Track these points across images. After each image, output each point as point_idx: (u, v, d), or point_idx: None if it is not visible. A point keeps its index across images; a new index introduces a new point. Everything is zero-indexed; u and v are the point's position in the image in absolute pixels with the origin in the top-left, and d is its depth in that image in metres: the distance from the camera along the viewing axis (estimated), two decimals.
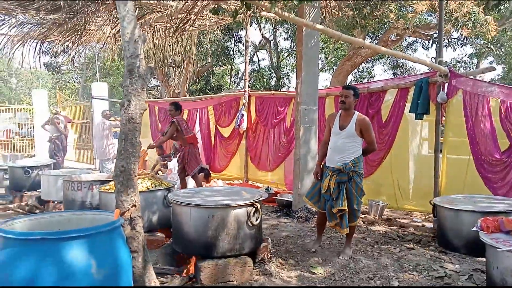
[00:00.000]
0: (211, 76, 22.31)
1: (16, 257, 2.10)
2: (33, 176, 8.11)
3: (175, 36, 8.92)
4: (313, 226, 5.70)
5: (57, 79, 33.23)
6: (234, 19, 4.77)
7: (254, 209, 4.31)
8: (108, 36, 7.82)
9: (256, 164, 8.49)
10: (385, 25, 12.04)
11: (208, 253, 4.21)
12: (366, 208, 6.34)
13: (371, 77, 22.06)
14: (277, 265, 4.34)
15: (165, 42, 9.12)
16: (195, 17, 6.59)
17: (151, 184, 5.51)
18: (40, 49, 8.08)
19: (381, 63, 21.86)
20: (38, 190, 7.66)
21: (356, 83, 20.24)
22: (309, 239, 5.14)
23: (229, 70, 24.06)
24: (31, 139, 16.92)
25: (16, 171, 8.25)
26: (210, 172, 9.30)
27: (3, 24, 7.23)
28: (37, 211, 7.12)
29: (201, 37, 16.50)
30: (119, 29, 7.68)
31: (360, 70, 22.24)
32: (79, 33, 7.44)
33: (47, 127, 11.09)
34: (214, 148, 9.48)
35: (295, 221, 5.95)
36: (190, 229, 4.36)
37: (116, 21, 7.62)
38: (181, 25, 6.85)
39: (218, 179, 8.59)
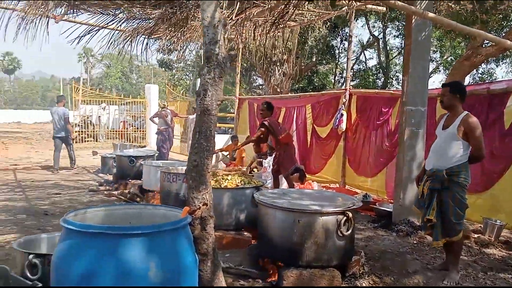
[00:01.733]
0: (314, 75, 21.92)
1: (76, 249, 2.00)
2: (137, 166, 8.47)
3: (275, 32, 8.73)
4: (415, 242, 5.07)
5: (171, 75, 35.42)
6: (333, 7, 4.37)
7: (345, 217, 3.90)
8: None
9: (355, 168, 7.95)
10: (510, 22, 10.58)
11: (292, 260, 3.92)
12: (480, 226, 5.50)
13: (492, 80, 19.81)
14: (369, 283, 3.87)
15: (265, 39, 8.95)
16: (293, 9, 6.28)
17: (241, 181, 5.36)
18: (147, 44, 8.40)
19: (505, 63, 19.47)
20: (140, 179, 7.98)
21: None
22: (409, 256, 4.55)
23: (334, 69, 23.40)
24: (143, 131, 18.11)
25: (122, 160, 8.73)
26: (305, 173, 8.97)
27: (112, 20, 7.64)
28: (138, 199, 7.41)
29: (306, 34, 16.20)
30: None
31: (480, 72, 20.10)
32: (182, 28, 7.59)
33: (156, 119, 11.70)
34: (310, 149, 9.11)
35: (394, 234, 5.35)
36: (275, 232, 4.10)
37: None
38: (279, 18, 6.60)
39: (313, 181, 8.20)
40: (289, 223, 3.96)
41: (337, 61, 22.32)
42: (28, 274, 2.92)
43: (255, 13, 7.49)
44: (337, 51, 21.74)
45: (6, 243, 4.66)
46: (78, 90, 17.46)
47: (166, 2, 6.85)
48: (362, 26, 22.28)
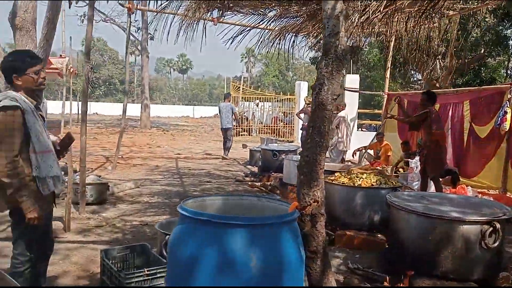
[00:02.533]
0: (482, 68, 19.61)
1: (186, 234, 2.13)
2: (280, 159, 8.73)
3: (430, 23, 8.03)
4: None
5: None
6: None
7: (491, 228, 3.43)
8: (356, 25, 7.63)
9: None
10: None
11: (425, 270, 3.61)
12: None
13: None
14: None
15: (419, 30, 8.29)
16: None
17: (376, 181, 5.11)
18: (294, 42, 8.55)
19: None
20: (282, 173, 8.21)
21: None
22: None
23: (506, 62, 20.58)
24: (292, 126, 18.59)
25: (266, 153, 9.11)
26: (459, 176, 8.11)
27: (262, 20, 7.96)
28: (277, 191, 7.65)
29: (470, 24, 14.57)
30: (367, 17, 7.41)
31: None
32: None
33: (301, 115, 11.95)
34: (466, 150, 8.18)
35: None
36: (407, 238, 3.81)
37: (365, 8, 7.33)
38: (431, 8, 6.05)
39: (467, 186, 7.36)
40: (424, 229, 3.63)
41: (510, 53, 19.57)
42: (165, 253, 3.22)
43: (406, 4, 7.03)
44: (510, 42, 19.05)
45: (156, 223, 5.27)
46: (238, 88, 18.73)
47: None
48: None
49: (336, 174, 5.49)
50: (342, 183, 5.15)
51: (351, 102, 12.26)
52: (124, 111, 9.35)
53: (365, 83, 29.73)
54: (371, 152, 10.37)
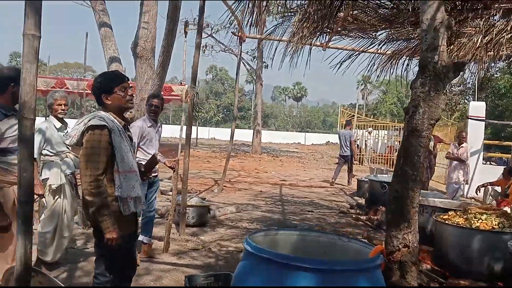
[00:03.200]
0: None
1: (248, 271, 1.93)
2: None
3: None
4: None
5: (449, 99, 33.01)
6: None
7: None
8: (479, 47, 6.83)
9: None
10: None
11: None
12: None
13: None
14: None
15: None
16: None
17: (499, 224, 4.35)
18: (408, 65, 7.98)
19: None
20: None
21: None
22: None
23: None
24: None
25: (374, 185, 8.52)
26: None
27: (372, 43, 7.57)
28: (384, 228, 7.05)
29: None
30: (492, 37, 6.60)
31: None
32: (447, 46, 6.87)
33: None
34: None
35: None
36: None
37: (489, 28, 6.55)
38: None
39: None
40: None
41: None
42: None
43: None
44: None
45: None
46: (351, 116, 18.24)
47: None
48: None
49: (450, 212, 4.83)
50: (457, 223, 4.48)
51: (475, 132, 11.03)
52: (232, 136, 9.56)
53: (495, 112, 26.87)
54: (498, 189, 9.11)
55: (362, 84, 64.66)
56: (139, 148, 4.68)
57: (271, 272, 1.79)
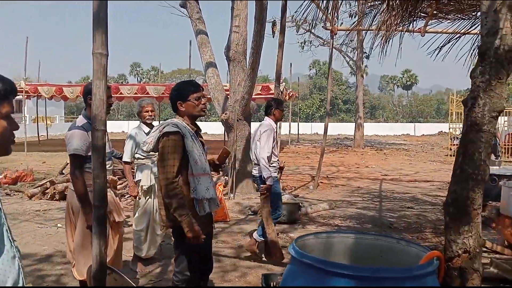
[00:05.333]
0: None
1: (291, 275, 1.93)
2: (499, 186, 7.35)
3: None
4: None
5: None
6: None
7: None
8: None
9: None
10: None
11: None
12: None
13: None
14: None
15: None
16: None
17: None
18: None
19: None
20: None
21: None
22: None
23: None
24: None
25: None
26: None
27: (473, 25, 6.92)
28: (493, 225, 6.43)
29: None
30: None
31: None
32: None
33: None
34: None
35: None
36: None
37: None
38: None
39: None
40: None
41: None
42: None
43: None
44: None
45: None
46: (453, 102, 16.89)
47: None
48: None
49: None
50: None
51: None
52: (325, 131, 9.46)
53: None
54: None
55: None
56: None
57: (311, 277, 1.77)
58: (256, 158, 4.75)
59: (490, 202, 7.26)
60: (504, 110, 13.80)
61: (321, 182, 10.20)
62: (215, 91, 9.16)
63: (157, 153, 2.92)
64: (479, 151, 1.84)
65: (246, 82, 8.28)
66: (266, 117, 4.89)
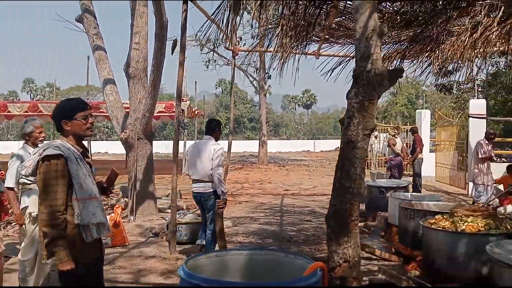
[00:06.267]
0: None
1: None
2: (387, 197, 7.98)
3: None
4: None
5: (456, 99, 32.58)
6: None
7: None
8: (465, 47, 6.74)
9: None
10: None
11: None
12: None
13: None
14: None
15: None
16: None
17: (485, 226, 4.24)
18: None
19: None
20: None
21: None
22: None
23: None
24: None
25: (372, 190, 8.42)
26: None
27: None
28: (382, 233, 6.94)
29: None
30: (477, 38, 6.51)
31: None
32: (430, 47, 6.81)
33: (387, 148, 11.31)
34: None
35: None
36: None
37: (475, 26, 6.45)
38: None
39: None
40: None
41: None
42: None
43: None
44: None
45: None
46: None
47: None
48: None
49: (437, 216, 4.73)
50: (443, 227, 4.39)
51: (477, 130, 10.84)
52: (229, 149, 9.56)
53: (506, 107, 26.38)
54: (501, 187, 8.93)
55: None
56: None
57: None
58: (206, 174, 5.03)
59: (379, 212, 7.85)
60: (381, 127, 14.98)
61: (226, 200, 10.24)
62: (114, 108, 8.80)
63: (35, 178, 2.70)
64: (355, 166, 1.99)
65: (147, 99, 8.10)
66: (208, 135, 5.27)
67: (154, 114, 13.83)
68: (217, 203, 5.08)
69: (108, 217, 6.12)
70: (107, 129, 52.96)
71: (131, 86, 8.66)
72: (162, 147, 32.50)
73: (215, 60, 23.17)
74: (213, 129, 5.32)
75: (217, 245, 5.30)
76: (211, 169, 4.99)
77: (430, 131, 17.81)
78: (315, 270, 1.90)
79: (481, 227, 4.21)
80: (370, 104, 2.00)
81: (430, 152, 16.32)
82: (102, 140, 51.53)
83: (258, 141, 23.85)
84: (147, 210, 8.19)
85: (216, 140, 5.27)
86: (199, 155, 5.10)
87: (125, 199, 8.57)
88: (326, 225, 2.06)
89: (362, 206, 9.20)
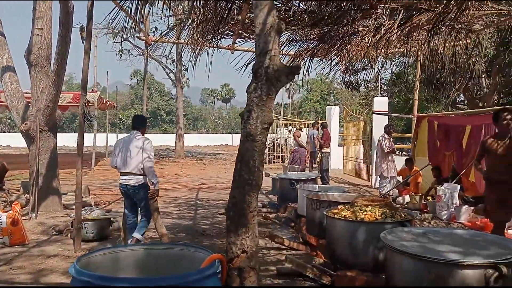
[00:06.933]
0: None
1: None
2: (297, 189, 8.27)
3: (456, 39, 7.47)
4: None
5: (365, 95, 34.62)
6: None
7: (497, 273, 2.85)
8: (368, 47, 7.18)
9: None
10: None
11: None
12: None
13: None
14: None
15: (444, 48, 7.69)
16: (457, 11, 5.17)
17: (382, 214, 4.56)
18: (308, 67, 8.20)
19: None
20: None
21: None
22: None
23: None
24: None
25: (284, 183, 8.68)
26: None
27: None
28: (292, 224, 7.19)
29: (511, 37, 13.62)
30: (379, 38, 6.95)
31: None
32: (338, 46, 7.17)
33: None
34: None
35: None
36: (401, 283, 3.28)
37: (378, 28, 6.89)
38: (439, 21, 5.55)
39: None
40: (418, 274, 3.10)
41: None
42: None
43: (424, 20, 6.55)
44: None
45: None
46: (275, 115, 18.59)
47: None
48: None
49: (339, 206, 5.00)
50: (344, 217, 4.64)
51: (380, 126, 11.63)
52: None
53: (408, 105, 28.58)
54: (400, 178, 9.69)
55: (288, 84, 66.09)
56: None
57: None
58: (136, 167, 5.21)
59: (290, 204, 8.14)
60: (305, 122, 15.64)
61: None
62: (14, 98, 8.13)
63: None
64: (254, 159, 2.03)
65: (50, 89, 7.59)
66: (135, 130, 5.44)
67: (61, 105, 13.07)
68: (148, 193, 5.31)
69: (5, 214, 5.72)
70: (9, 121, 48.83)
71: (32, 75, 8.05)
72: (71, 140, 30.64)
73: (129, 50, 22.37)
74: (140, 123, 5.57)
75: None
76: (142, 162, 5.19)
77: (339, 126, 18.76)
78: (212, 262, 1.92)
79: (378, 216, 4.51)
80: (268, 98, 2.05)
81: (339, 146, 17.23)
82: (4, 132, 47.47)
83: (175, 134, 23.46)
84: (51, 207, 7.71)
85: (143, 134, 5.49)
86: (129, 149, 5.28)
87: (27, 195, 7.98)
88: (226, 217, 2.09)
89: (275, 198, 9.51)
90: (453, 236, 3.68)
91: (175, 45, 20.95)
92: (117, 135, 26.83)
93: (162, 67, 23.80)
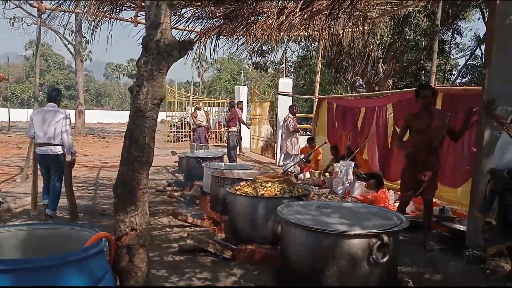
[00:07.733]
0: (422, 72, 20.08)
1: None
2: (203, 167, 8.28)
3: (353, 26, 7.89)
4: (488, 271, 4.04)
5: (273, 77, 35.38)
6: None
7: (379, 242, 3.14)
8: (272, 28, 7.31)
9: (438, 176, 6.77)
10: None
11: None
12: None
13: None
14: None
15: (343, 33, 8.06)
16: None
17: (280, 190, 4.76)
18: (215, 45, 8.13)
19: None
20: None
21: None
22: None
23: (443, 65, 21.17)
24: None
25: (190, 161, 8.65)
26: (383, 180, 8.00)
27: (179, 21, 7.50)
28: (197, 201, 7.20)
29: (404, 28, 14.80)
30: (282, 21, 7.10)
31: None
32: (244, 26, 7.22)
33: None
34: (390, 153, 8.07)
35: (464, 260, 4.33)
36: (295, 254, 3.48)
37: (281, 10, 7.02)
38: (337, 7, 5.83)
39: (389, 190, 7.21)
40: (309, 244, 3.31)
41: (447, 57, 20.14)
42: None
43: (323, 5, 6.80)
44: (447, 46, 19.60)
45: None
46: (173, 93, 18.22)
47: None
48: (478, 19, 19.79)
49: (241, 183, 5.13)
50: (245, 193, 4.77)
51: (284, 106, 12.02)
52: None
53: (313, 87, 29.82)
54: (302, 156, 10.16)
55: (197, 62, 65.09)
56: None
57: None
58: (54, 138, 5.52)
59: (196, 182, 8.15)
60: (217, 101, 15.67)
61: (31, 174, 9.27)
62: None
63: None
64: (144, 135, 1.99)
65: None
66: (51, 103, 5.69)
67: None
68: (66, 162, 5.74)
69: None
70: None
71: None
72: None
73: (22, 18, 20.40)
74: (55, 97, 5.81)
75: None
76: (61, 133, 5.55)
77: (247, 106, 19.03)
78: (98, 240, 1.86)
79: (277, 191, 4.70)
80: (159, 73, 2.01)
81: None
82: None
83: (75, 110, 22.04)
84: None
85: (58, 106, 5.77)
86: (47, 120, 5.55)
87: None
88: (114, 194, 2.03)
89: (182, 177, 9.44)
90: (342, 209, 3.98)
91: (74, 15, 19.53)
92: (8, 110, 24.68)
93: (60, 38, 22.08)
